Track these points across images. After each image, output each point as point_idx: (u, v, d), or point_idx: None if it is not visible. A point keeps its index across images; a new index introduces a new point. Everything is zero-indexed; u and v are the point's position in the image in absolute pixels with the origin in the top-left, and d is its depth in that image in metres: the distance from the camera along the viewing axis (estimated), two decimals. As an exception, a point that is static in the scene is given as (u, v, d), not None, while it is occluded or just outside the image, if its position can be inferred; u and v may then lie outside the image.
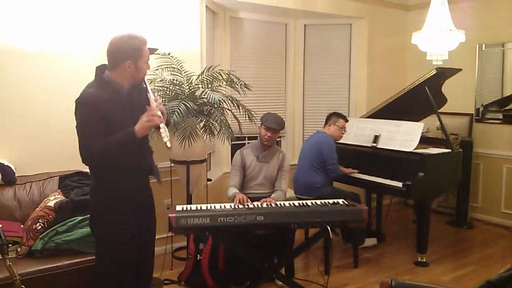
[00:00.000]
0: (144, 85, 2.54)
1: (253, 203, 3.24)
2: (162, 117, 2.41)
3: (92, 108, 2.33)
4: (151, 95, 2.49)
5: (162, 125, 2.40)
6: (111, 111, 2.36)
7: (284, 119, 4.06)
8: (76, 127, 2.37)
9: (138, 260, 2.58)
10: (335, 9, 5.22)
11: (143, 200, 2.60)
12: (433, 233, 4.22)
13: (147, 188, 2.67)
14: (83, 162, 2.38)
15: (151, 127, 2.44)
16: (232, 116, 3.90)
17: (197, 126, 3.74)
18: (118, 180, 2.44)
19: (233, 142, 3.87)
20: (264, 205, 3.17)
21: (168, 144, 2.40)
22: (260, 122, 3.74)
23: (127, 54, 2.38)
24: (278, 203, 3.22)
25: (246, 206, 3.16)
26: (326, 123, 4.27)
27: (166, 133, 2.41)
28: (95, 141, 2.31)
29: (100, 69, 2.48)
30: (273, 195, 3.62)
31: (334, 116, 4.24)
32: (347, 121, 4.27)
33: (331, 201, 3.22)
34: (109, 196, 2.45)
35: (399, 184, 3.87)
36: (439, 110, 4.29)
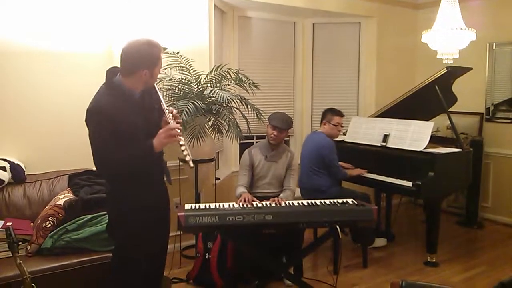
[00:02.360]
0: (156, 92, 2.51)
1: (261, 202, 3.23)
2: (180, 132, 2.38)
3: (105, 118, 2.31)
4: (165, 107, 2.45)
5: (182, 141, 2.38)
6: (123, 120, 2.35)
7: (292, 118, 4.05)
8: (89, 136, 2.36)
9: (152, 262, 2.63)
10: (344, 7, 5.20)
11: (160, 204, 2.63)
12: (443, 233, 4.19)
13: (165, 192, 2.70)
14: (98, 171, 2.38)
15: (170, 141, 2.39)
16: (241, 115, 3.90)
17: (206, 125, 3.74)
18: (135, 186, 2.45)
19: (241, 141, 3.87)
20: (273, 204, 3.16)
21: (191, 164, 2.39)
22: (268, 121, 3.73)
23: (145, 63, 2.35)
24: (286, 202, 3.21)
25: (250, 206, 3.15)
26: (321, 121, 4.19)
27: (188, 151, 2.40)
28: (112, 154, 2.29)
29: (111, 72, 2.43)
30: (281, 194, 3.62)
31: (329, 114, 4.13)
32: (342, 116, 4.15)
33: (340, 200, 3.21)
34: (127, 201, 2.46)
35: (409, 184, 3.85)
36: (449, 109, 4.25)
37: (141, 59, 2.35)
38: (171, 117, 2.41)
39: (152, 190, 2.54)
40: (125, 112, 2.37)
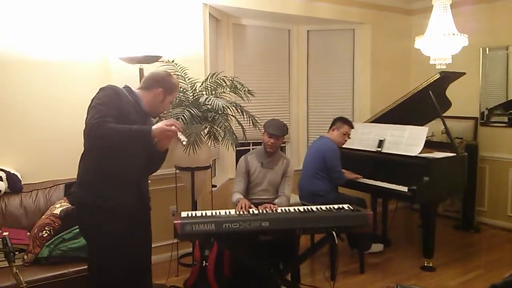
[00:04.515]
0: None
1: (258, 208, 3.24)
2: (179, 127, 2.50)
3: (116, 94, 2.42)
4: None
5: (179, 133, 2.49)
6: (128, 110, 2.44)
7: (288, 124, 4.07)
8: (92, 105, 2.37)
9: (134, 269, 2.62)
10: (338, 14, 5.23)
11: (137, 209, 2.60)
12: (439, 237, 4.19)
13: (142, 198, 2.67)
14: (87, 129, 2.32)
15: (167, 134, 2.45)
16: (236, 122, 3.91)
17: (202, 132, 3.75)
18: (113, 190, 2.46)
19: (237, 148, 3.87)
20: (269, 211, 3.17)
21: (184, 139, 2.50)
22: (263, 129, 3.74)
23: (164, 84, 2.59)
24: (283, 208, 3.22)
25: (247, 212, 3.15)
26: (330, 127, 4.23)
27: (183, 136, 2.52)
28: (109, 121, 2.31)
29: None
30: (276, 200, 3.62)
31: (340, 122, 4.18)
32: (352, 127, 4.21)
33: (336, 206, 3.21)
34: (102, 206, 2.44)
35: (405, 189, 3.87)
36: (444, 114, 4.28)
37: (162, 79, 2.61)
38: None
39: (127, 194, 2.51)
40: (131, 107, 2.48)
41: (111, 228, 2.45)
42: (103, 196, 2.44)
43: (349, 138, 4.21)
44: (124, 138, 2.36)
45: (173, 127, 2.42)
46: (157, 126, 2.41)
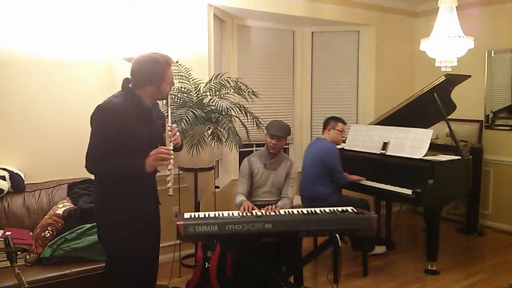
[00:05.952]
0: (166, 110, 2.54)
1: (261, 210, 3.22)
2: (170, 159, 2.37)
3: (111, 117, 2.32)
4: (169, 121, 2.48)
5: (170, 167, 2.38)
6: (130, 124, 2.36)
7: (292, 126, 4.06)
8: (90, 133, 2.37)
9: (143, 270, 2.59)
10: (343, 16, 5.22)
11: (148, 214, 2.58)
12: (443, 240, 4.18)
13: (154, 202, 2.66)
14: (85, 167, 2.35)
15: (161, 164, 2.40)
16: (240, 124, 3.91)
17: (205, 133, 3.75)
18: (123, 195, 2.43)
19: (241, 149, 3.87)
20: (272, 213, 3.15)
21: (170, 192, 2.37)
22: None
23: (149, 80, 2.40)
24: (286, 210, 3.20)
25: (250, 214, 3.14)
26: (324, 128, 4.21)
27: (172, 178, 2.38)
28: (103, 157, 2.30)
29: (127, 81, 2.48)
30: (279, 202, 3.61)
31: (333, 121, 4.18)
32: (345, 123, 4.23)
33: (339, 208, 3.19)
34: (114, 210, 2.44)
35: (409, 192, 3.85)
36: (449, 117, 4.26)
37: (144, 76, 2.40)
38: (169, 134, 2.43)
39: (141, 197, 2.50)
40: (134, 117, 2.39)
41: (128, 237, 2.44)
42: (121, 198, 2.43)
43: (345, 135, 4.21)
44: (119, 175, 2.38)
45: (164, 161, 2.36)
46: (149, 163, 2.35)
